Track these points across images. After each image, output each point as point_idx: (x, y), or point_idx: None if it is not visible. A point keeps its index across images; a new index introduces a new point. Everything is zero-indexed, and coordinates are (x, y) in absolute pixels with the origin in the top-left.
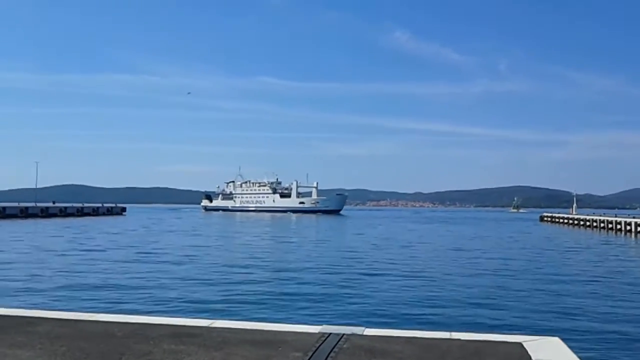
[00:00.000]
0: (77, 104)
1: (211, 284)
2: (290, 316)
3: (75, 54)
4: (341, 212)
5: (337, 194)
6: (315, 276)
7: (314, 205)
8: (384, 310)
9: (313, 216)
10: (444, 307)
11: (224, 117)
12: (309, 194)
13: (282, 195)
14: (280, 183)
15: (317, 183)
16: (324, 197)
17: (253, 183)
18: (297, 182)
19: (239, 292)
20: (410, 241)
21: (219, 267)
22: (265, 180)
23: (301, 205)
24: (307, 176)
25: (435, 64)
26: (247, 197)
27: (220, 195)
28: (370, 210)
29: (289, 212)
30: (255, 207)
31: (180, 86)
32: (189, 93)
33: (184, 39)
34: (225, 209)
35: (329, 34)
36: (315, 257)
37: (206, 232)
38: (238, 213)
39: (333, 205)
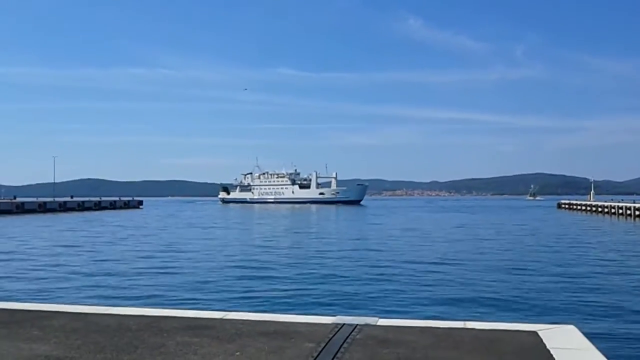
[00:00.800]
0: (94, 98)
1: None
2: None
3: (91, 49)
4: (361, 202)
5: (357, 184)
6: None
7: (334, 196)
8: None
9: (333, 207)
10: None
11: (239, 109)
12: (328, 185)
13: (302, 186)
14: (299, 174)
15: (336, 173)
16: (345, 188)
17: (271, 174)
18: (316, 172)
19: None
20: (429, 231)
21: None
22: (284, 172)
23: (321, 196)
24: (325, 167)
25: (449, 51)
26: (265, 189)
27: (238, 187)
28: (385, 199)
29: (308, 204)
30: (274, 198)
31: (195, 79)
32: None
33: (197, 32)
34: (243, 201)
35: (342, 23)
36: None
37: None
38: (256, 205)
39: (353, 196)
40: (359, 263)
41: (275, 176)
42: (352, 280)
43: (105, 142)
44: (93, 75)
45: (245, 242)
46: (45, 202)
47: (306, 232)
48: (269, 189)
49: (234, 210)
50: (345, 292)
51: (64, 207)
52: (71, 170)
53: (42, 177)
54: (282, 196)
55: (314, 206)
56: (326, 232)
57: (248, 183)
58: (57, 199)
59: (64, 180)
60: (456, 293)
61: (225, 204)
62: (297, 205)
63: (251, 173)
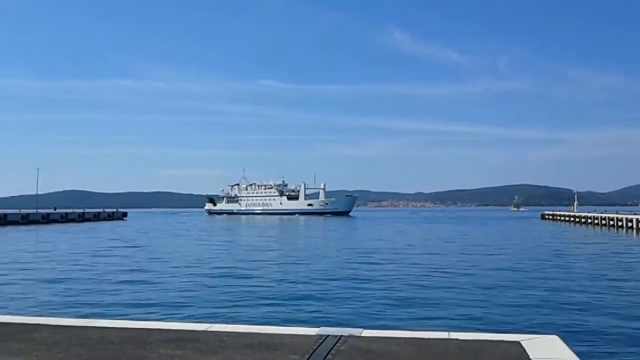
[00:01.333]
0: (78, 110)
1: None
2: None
3: (76, 60)
4: (350, 213)
5: (346, 195)
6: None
7: (322, 207)
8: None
9: (322, 219)
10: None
11: (224, 120)
12: (316, 196)
13: (290, 198)
14: (286, 185)
15: (324, 184)
16: (333, 199)
17: (259, 185)
18: (304, 183)
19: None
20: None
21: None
22: (272, 183)
23: (310, 207)
24: (314, 177)
25: (435, 64)
26: (253, 200)
27: (225, 199)
28: (371, 210)
29: (297, 215)
30: (262, 210)
31: (181, 91)
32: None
33: (184, 43)
34: (230, 212)
35: (328, 35)
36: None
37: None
38: (244, 216)
39: (342, 207)
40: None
41: (263, 187)
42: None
43: (89, 153)
44: (79, 87)
45: (231, 254)
46: (28, 214)
47: (296, 248)
48: (257, 200)
49: (220, 221)
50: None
51: (47, 219)
52: (55, 181)
53: (26, 188)
54: (269, 207)
55: (302, 217)
56: (318, 246)
57: (235, 194)
58: (40, 211)
59: (48, 191)
60: (441, 304)
61: (211, 216)
62: (285, 217)
63: (238, 184)
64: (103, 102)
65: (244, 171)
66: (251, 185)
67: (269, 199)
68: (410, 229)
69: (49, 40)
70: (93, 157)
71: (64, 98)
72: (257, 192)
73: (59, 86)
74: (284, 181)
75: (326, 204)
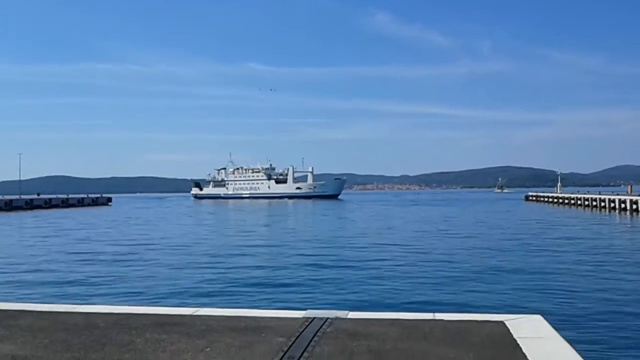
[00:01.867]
0: (59, 94)
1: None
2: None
3: (55, 44)
4: (339, 196)
5: (335, 179)
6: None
7: (311, 191)
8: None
9: (310, 202)
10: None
11: (208, 104)
12: (304, 179)
13: (278, 181)
14: (274, 169)
15: (312, 168)
16: (322, 182)
17: (246, 169)
18: (293, 167)
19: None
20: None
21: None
22: (259, 167)
23: (298, 190)
24: (302, 161)
25: (418, 46)
26: (240, 184)
27: (212, 183)
28: (356, 194)
29: (285, 199)
30: (250, 194)
31: (163, 74)
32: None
33: (166, 27)
34: (217, 197)
35: (312, 18)
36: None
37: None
38: (231, 200)
39: (331, 190)
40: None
41: (250, 171)
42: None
43: (72, 138)
44: (58, 71)
45: (219, 238)
46: (11, 200)
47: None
48: (244, 184)
49: (207, 206)
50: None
51: (30, 205)
52: (38, 167)
53: (8, 174)
54: (257, 191)
55: (290, 201)
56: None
57: (222, 178)
58: (23, 197)
59: (31, 177)
60: (426, 286)
61: (197, 200)
62: (273, 201)
63: (225, 168)
64: (84, 86)
65: (230, 155)
66: (238, 169)
67: (257, 183)
68: (396, 211)
69: (28, 24)
70: (76, 142)
71: (43, 82)
72: (245, 176)
73: (38, 70)
74: (271, 165)
75: (315, 187)
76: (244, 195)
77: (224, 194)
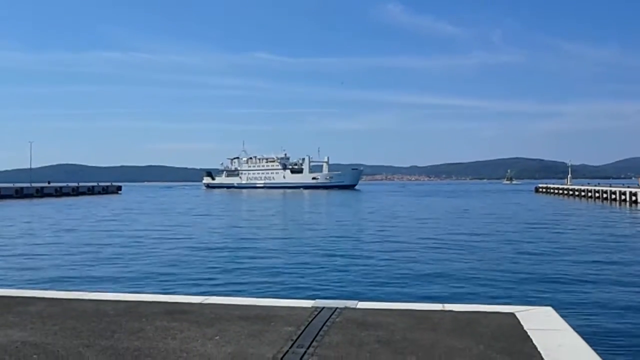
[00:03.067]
0: (69, 82)
1: None
2: None
3: (65, 33)
4: (356, 187)
5: (352, 169)
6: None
7: (328, 181)
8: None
9: (329, 192)
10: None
11: (217, 94)
12: (319, 169)
13: (293, 171)
14: (288, 158)
15: (327, 158)
16: (339, 172)
17: (260, 159)
18: (309, 157)
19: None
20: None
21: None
22: (274, 156)
23: (314, 180)
24: (318, 151)
25: (429, 36)
26: (254, 174)
27: (225, 172)
28: (364, 184)
29: (301, 189)
30: (264, 183)
31: (172, 63)
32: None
33: (174, 15)
34: (230, 186)
35: (321, 8)
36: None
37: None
38: (244, 190)
39: (348, 180)
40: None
41: (265, 160)
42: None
43: (82, 126)
44: (67, 59)
45: (238, 227)
46: (22, 188)
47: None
48: (259, 173)
49: (222, 195)
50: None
51: (41, 193)
52: (48, 155)
53: (19, 162)
54: (272, 181)
55: (306, 191)
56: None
57: (235, 168)
58: (34, 185)
59: (41, 165)
60: (436, 276)
61: (209, 189)
62: (289, 191)
63: (238, 157)
64: (92, 74)
65: (243, 144)
66: (251, 158)
67: (272, 173)
68: (407, 202)
69: (37, 13)
70: (85, 131)
71: (53, 70)
72: (259, 166)
73: (48, 58)
74: (286, 154)
75: (331, 177)
76: (258, 185)
77: (237, 184)
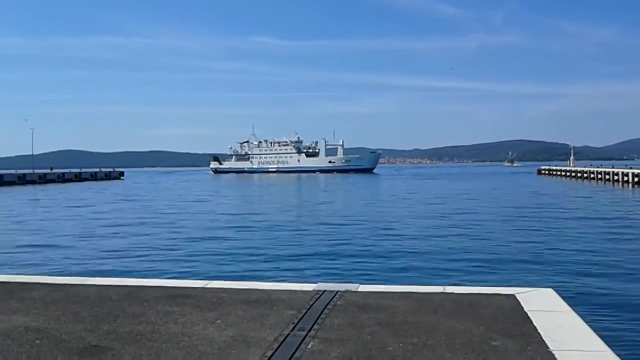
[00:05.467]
0: (70, 67)
1: None
2: None
3: (66, 18)
4: (374, 170)
5: (370, 152)
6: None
7: (346, 164)
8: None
9: (349, 175)
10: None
11: (218, 78)
12: (333, 153)
13: (308, 155)
14: (301, 142)
15: (342, 141)
16: (357, 156)
17: (272, 143)
18: (325, 140)
19: None
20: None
21: None
22: (287, 139)
23: (331, 164)
24: (333, 134)
25: (430, 18)
26: (266, 158)
27: (234, 157)
28: None
29: (317, 172)
30: (277, 167)
31: (173, 48)
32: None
33: (175, 1)
34: (240, 171)
35: None
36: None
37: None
38: (256, 175)
39: (367, 164)
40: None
41: (277, 144)
42: None
43: (84, 112)
44: (68, 44)
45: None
46: (24, 174)
47: None
48: (271, 157)
49: (233, 180)
50: None
51: (43, 179)
52: (51, 141)
53: (21, 149)
54: (286, 165)
55: (322, 175)
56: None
57: (246, 152)
58: (36, 171)
59: (44, 151)
60: (439, 259)
61: (217, 175)
62: (304, 175)
63: (248, 141)
64: (94, 59)
65: (253, 128)
66: (262, 142)
67: (285, 157)
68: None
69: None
70: (87, 116)
71: (54, 56)
72: (272, 149)
73: (49, 44)
74: (299, 137)
75: (349, 161)
76: (270, 169)
77: (248, 168)
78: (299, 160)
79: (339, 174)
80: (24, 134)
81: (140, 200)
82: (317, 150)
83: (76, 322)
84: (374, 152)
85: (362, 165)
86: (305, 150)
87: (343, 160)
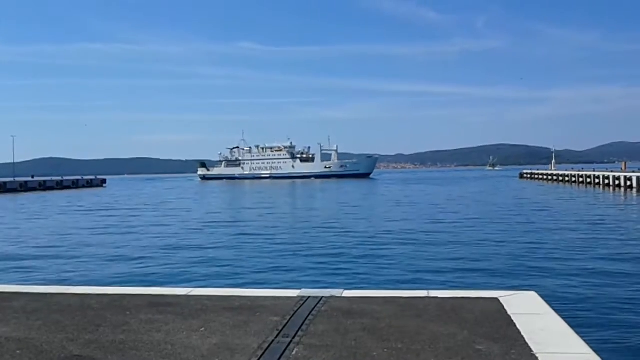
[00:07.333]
0: (51, 75)
1: None
2: None
3: (46, 24)
4: (370, 175)
5: (367, 157)
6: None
7: (342, 170)
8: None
9: (345, 181)
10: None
11: (201, 84)
12: (328, 158)
13: (303, 160)
14: (294, 147)
15: (337, 146)
16: (354, 161)
17: (264, 148)
18: (320, 145)
19: None
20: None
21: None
22: (280, 145)
23: (327, 169)
24: (328, 139)
25: (413, 23)
26: (258, 164)
27: (224, 163)
28: None
29: (312, 178)
30: (270, 173)
31: (156, 54)
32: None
33: (156, 6)
34: (231, 177)
35: None
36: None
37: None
38: (247, 181)
39: (363, 169)
40: None
41: (270, 150)
42: None
43: (65, 119)
44: (48, 51)
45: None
46: (5, 183)
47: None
48: (264, 163)
49: (225, 187)
50: None
51: (25, 187)
52: (31, 149)
53: (1, 157)
54: (279, 171)
55: (318, 181)
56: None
57: (236, 158)
58: (17, 179)
59: (25, 159)
60: (420, 263)
61: (204, 181)
62: (299, 181)
63: (238, 147)
64: (75, 66)
65: (243, 134)
66: (253, 148)
67: (279, 162)
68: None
69: (19, 6)
70: (68, 124)
71: (35, 63)
72: (264, 155)
73: (29, 51)
74: (291, 143)
75: (345, 166)
76: (263, 176)
77: (239, 175)
78: (293, 166)
79: (336, 180)
80: (4, 142)
81: (110, 209)
82: (311, 156)
83: (58, 332)
84: (371, 156)
85: (359, 170)
86: (299, 156)
87: (339, 166)
